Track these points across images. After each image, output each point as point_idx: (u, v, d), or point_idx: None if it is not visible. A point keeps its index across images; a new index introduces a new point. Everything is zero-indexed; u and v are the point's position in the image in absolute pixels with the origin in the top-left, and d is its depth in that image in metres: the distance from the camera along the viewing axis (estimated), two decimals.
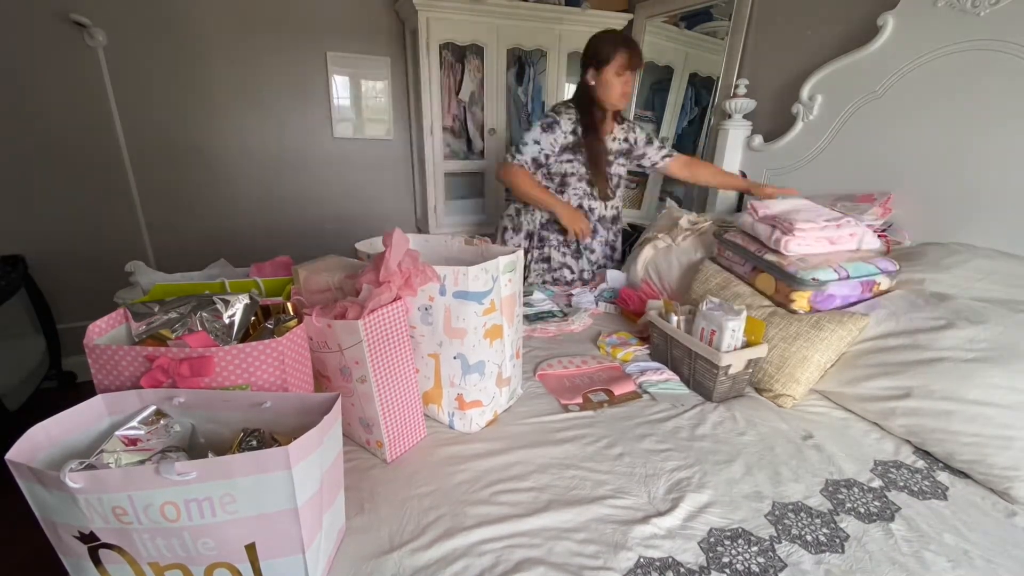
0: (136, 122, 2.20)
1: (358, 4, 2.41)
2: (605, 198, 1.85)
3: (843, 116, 1.67)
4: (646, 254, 1.90)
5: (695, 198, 2.37)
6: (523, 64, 2.60)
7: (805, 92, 1.75)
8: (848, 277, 1.25)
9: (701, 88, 2.34)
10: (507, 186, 1.81)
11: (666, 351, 1.31)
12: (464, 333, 0.99)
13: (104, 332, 0.81)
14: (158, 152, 2.28)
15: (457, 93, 2.51)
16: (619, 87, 1.66)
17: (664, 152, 1.91)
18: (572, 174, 1.79)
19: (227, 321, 0.83)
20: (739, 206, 2.10)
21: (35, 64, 2.00)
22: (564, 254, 1.92)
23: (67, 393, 2.29)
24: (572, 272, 1.95)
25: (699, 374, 1.20)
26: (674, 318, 1.29)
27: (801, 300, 1.28)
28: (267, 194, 2.54)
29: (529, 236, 1.90)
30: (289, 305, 0.94)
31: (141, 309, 0.83)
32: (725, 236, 1.56)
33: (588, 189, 1.82)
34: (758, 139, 1.96)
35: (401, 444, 0.99)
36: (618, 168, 1.88)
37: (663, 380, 1.25)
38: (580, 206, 1.84)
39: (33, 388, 2.00)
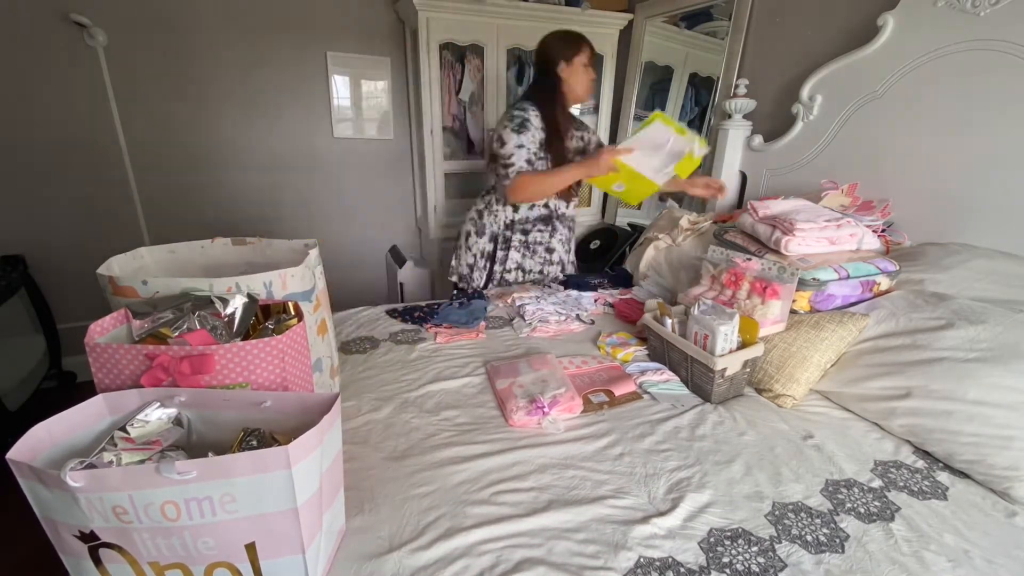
0: (136, 122, 2.21)
1: (358, 4, 2.41)
2: (569, 197, 1.84)
3: (843, 116, 1.67)
4: (648, 254, 1.90)
5: (695, 198, 2.37)
6: (523, 64, 2.60)
7: (805, 92, 1.75)
8: (848, 277, 1.25)
9: (701, 88, 2.34)
10: (528, 201, 1.77)
11: (663, 353, 1.31)
12: None
13: (106, 331, 0.81)
14: (158, 152, 2.28)
15: (457, 93, 2.51)
16: (588, 81, 1.70)
17: None
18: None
19: (226, 319, 0.83)
20: (739, 206, 2.10)
21: (35, 64, 2.00)
22: (523, 255, 1.87)
23: (67, 393, 2.29)
24: (525, 273, 1.90)
25: (696, 377, 1.20)
26: (668, 321, 1.29)
27: (801, 300, 1.28)
28: (268, 194, 2.55)
29: (493, 239, 1.84)
30: (290, 305, 0.94)
31: (142, 308, 0.83)
32: (725, 236, 1.57)
33: None
34: (758, 139, 1.96)
35: None
36: None
37: (663, 380, 1.25)
38: (547, 205, 1.82)
39: (33, 388, 2.00)
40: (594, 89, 1.73)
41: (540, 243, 1.87)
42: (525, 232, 1.83)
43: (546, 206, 1.82)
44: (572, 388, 1.17)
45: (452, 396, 1.20)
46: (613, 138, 2.75)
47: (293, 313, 0.93)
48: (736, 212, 1.86)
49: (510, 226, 1.83)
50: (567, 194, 1.81)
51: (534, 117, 1.67)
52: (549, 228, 1.86)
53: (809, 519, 0.85)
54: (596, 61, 1.68)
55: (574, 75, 1.68)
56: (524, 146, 1.66)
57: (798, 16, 1.85)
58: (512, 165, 1.66)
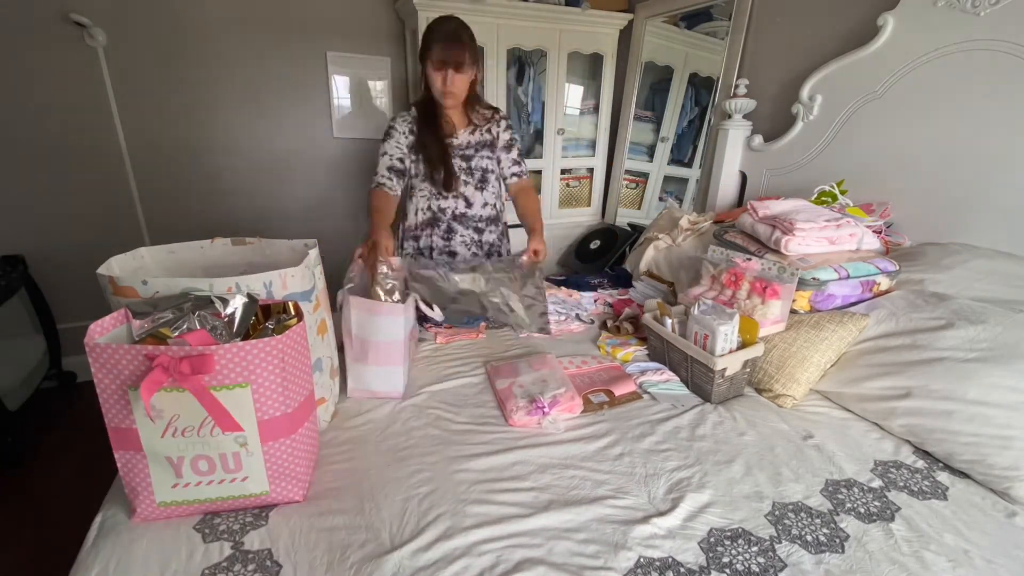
0: (136, 122, 2.20)
1: (358, 4, 2.41)
2: (449, 189, 1.63)
3: (843, 116, 1.67)
4: (648, 254, 1.90)
5: (695, 198, 2.37)
6: (523, 64, 2.59)
7: (805, 92, 1.75)
8: (848, 277, 1.25)
9: (701, 88, 2.34)
10: None
11: (664, 353, 1.31)
12: None
13: (106, 331, 0.81)
14: (158, 152, 2.28)
15: None
16: (438, 83, 1.51)
17: (515, 170, 1.71)
18: (416, 175, 1.65)
19: (226, 319, 0.83)
20: (739, 206, 2.10)
21: (35, 64, 2.00)
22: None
23: (67, 393, 2.29)
24: None
25: (696, 377, 1.20)
26: (668, 321, 1.29)
27: (801, 300, 1.28)
28: (268, 194, 2.54)
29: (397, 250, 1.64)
30: (290, 305, 0.94)
31: (142, 308, 0.83)
32: (725, 236, 1.57)
33: (432, 188, 1.64)
34: (758, 139, 1.96)
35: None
36: (484, 161, 1.66)
37: (663, 380, 1.25)
38: (429, 208, 1.67)
39: (33, 388, 2.00)
40: (452, 95, 1.54)
41: (433, 248, 1.70)
42: (416, 239, 1.71)
43: (429, 208, 1.68)
44: (572, 388, 1.17)
45: (452, 396, 1.20)
46: (613, 138, 2.75)
47: (293, 313, 0.93)
48: (736, 211, 1.86)
49: (406, 233, 1.73)
50: (447, 187, 1.62)
51: (400, 123, 1.60)
52: (441, 231, 1.69)
53: (809, 519, 0.85)
54: (449, 64, 1.47)
55: (428, 76, 1.53)
56: (387, 153, 1.59)
57: (798, 16, 1.85)
58: (376, 173, 1.59)
